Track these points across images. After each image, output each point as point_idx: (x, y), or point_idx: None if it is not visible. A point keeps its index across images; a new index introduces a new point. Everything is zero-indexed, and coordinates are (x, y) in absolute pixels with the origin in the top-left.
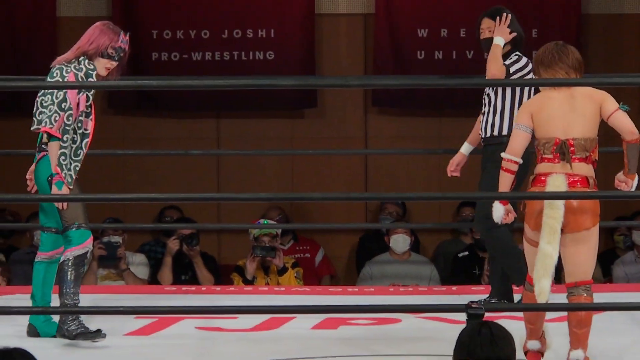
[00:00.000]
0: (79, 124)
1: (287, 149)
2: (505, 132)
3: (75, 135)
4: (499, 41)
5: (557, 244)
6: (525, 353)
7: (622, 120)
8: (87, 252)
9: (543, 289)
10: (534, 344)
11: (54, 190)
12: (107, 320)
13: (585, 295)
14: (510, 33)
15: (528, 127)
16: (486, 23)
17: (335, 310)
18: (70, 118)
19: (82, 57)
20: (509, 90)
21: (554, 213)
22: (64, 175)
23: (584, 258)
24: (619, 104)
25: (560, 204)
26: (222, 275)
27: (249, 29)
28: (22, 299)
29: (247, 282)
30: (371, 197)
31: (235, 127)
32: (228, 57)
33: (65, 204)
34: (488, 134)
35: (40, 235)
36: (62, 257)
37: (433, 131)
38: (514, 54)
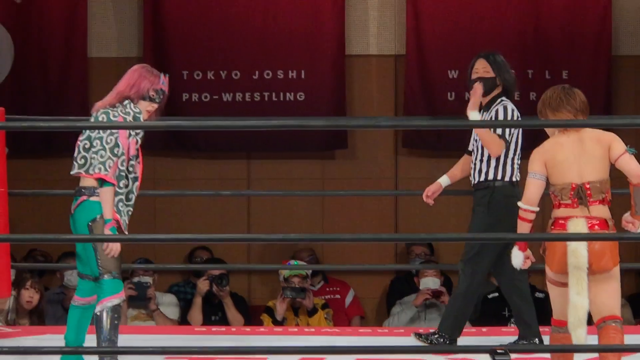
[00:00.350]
0: (130, 168)
1: (317, 190)
2: (491, 177)
3: (127, 180)
4: (474, 116)
5: (586, 292)
6: None
7: (629, 163)
8: (122, 302)
9: (580, 338)
10: None
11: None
12: (137, 359)
13: (614, 325)
14: (499, 81)
15: (542, 174)
16: (480, 63)
17: (365, 352)
18: (124, 163)
19: (126, 102)
20: None
21: (578, 262)
22: (122, 220)
23: (608, 296)
24: (627, 146)
25: (584, 251)
26: (252, 316)
27: (280, 69)
28: (53, 339)
29: (277, 323)
30: (401, 239)
31: (265, 167)
32: (258, 98)
33: (111, 250)
34: (477, 180)
35: (78, 280)
36: (99, 307)
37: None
38: (500, 100)
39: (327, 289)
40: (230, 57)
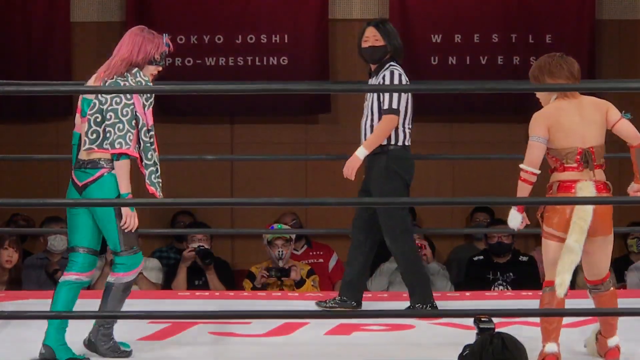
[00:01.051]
0: (152, 140)
1: (300, 154)
2: (385, 142)
3: (153, 152)
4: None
5: (582, 244)
6: (544, 359)
7: (627, 127)
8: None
9: (564, 281)
10: (551, 347)
11: (126, 211)
12: (120, 325)
13: (612, 286)
14: (389, 48)
15: (545, 138)
16: (371, 32)
17: (348, 316)
18: (147, 134)
19: (134, 70)
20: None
21: (585, 215)
22: (158, 193)
23: (607, 258)
24: (622, 112)
25: (590, 209)
26: (236, 280)
27: (263, 34)
28: (37, 304)
29: (257, 289)
30: (383, 202)
31: (249, 132)
32: (242, 63)
33: (129, 225)
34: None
35: (75, 256)
36: (113, 278)
37: (444, 136)
38: (388, 65)
39: (311, 253)
40: (214, 21)
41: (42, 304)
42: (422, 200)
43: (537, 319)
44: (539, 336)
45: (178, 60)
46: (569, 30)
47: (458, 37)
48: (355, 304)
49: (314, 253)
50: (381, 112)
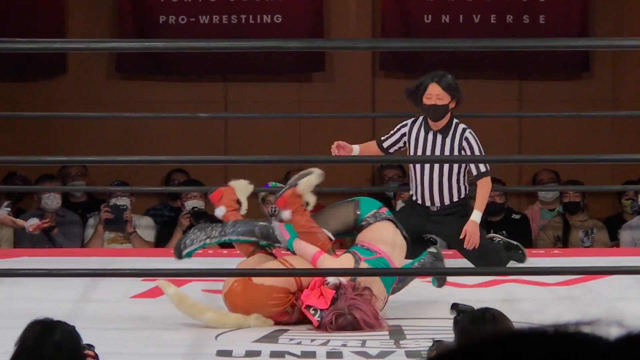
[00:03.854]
0: None
1: (294, 113)
2: (464, 195)
3: None
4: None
5: None
6: None
7: None
8: None
9: None
10: None
11: None
12: (113, 283)
13: None
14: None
15: None
16: (434, 89)
17: (341, 274)
18: None
19: None
20: None
21: None
22: None
23: None
24: None
25: None
26: None
27: None
28: (30, 262)
29: None
30: (378, 160)
31: (242, 90)
32: (236, 21)
33: None
34: (455, 199)
35: None
36: None
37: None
38: (459, 124)
39: None
40: None
41: (37, 261)
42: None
43: (530, 278)
44: (536, 295)
45: (172, 18)
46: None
47: None
48: None
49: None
50: (478, 174)
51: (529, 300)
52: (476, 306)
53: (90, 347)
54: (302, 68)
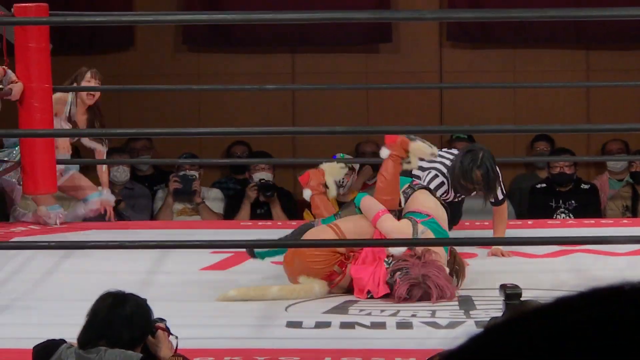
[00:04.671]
0: None
1: (362, 84)
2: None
3: None
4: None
5: None
6: None
7: None
8: None
9: None
10: None
11: None
12: (183, 254)
13: None
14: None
15: None
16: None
17: (409, 244)
18: None
19: None
20: None
21: None
22: None
23: None
24: None
25: None
26: (298, 210)
27: None
28: (98, 234)
29: None
30: (446, 130)
31: (309, 61)
32: None
33: None
34: None
35: None
36: None
37: (508, 65)
38: None
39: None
40: None
41: (106, 234)
42: (484, 128)
43: (598, 247)
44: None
45: None
46: None
47: None
48: None
49: None
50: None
51: (600, 270)
52: (546, 277)
53: (162, 320)
54: (369, 39)
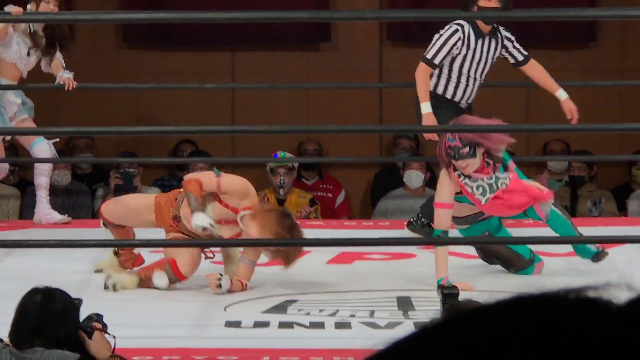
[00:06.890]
0: None
1: (302, 83)
2: None
3: None
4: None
5: None
6: None
7: None
8: None
9: None
10: None
11: None
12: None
13: None
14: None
15: None
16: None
17: (350, 244)
18: None
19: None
20: None
21: None
22: None
23: None
24: None
25: None
26: None
27: None
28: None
29: None
30: (386, 130)
31: (250, 60)
32: None
33: None
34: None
35: None
36: None
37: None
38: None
39: (321, 186)
40: None
41: (44, 232)
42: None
43: (538, 247)
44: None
45: None
46: None
47: None
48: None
49: (324, 186)
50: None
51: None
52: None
53: (99, 316)
54: (308, 38)
